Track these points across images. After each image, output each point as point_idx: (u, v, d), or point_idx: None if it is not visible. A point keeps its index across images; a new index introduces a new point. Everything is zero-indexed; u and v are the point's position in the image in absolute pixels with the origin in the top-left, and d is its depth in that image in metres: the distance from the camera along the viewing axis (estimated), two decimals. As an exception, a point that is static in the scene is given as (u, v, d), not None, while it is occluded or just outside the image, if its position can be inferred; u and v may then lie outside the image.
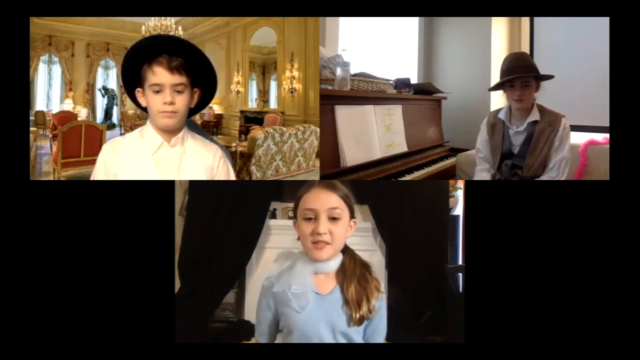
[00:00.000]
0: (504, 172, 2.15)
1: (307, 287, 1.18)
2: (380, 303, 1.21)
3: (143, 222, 1.68)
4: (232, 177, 1.42)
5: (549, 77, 2.07)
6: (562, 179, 2.05)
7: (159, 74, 1.23)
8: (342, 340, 1.18)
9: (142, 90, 1.28)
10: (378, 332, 1.24)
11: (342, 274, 1.20)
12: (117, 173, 1.30)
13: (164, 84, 1.24)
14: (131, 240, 1.66)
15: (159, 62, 1.24)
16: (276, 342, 1.27)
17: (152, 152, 1.30)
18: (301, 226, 1.18)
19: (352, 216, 1.21)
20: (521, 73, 2.02)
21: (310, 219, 1.16)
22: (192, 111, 1.34)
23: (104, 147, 1.33)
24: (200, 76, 1.31)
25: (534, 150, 2.07)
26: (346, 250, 1.24)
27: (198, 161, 1.34)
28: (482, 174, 2.23)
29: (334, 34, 3.60)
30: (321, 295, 1.19)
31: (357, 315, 1.16)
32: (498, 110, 2.22)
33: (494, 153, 2.20)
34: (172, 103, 1.24)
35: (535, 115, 2.09)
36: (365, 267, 1.23)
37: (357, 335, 1.20)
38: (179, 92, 1.25)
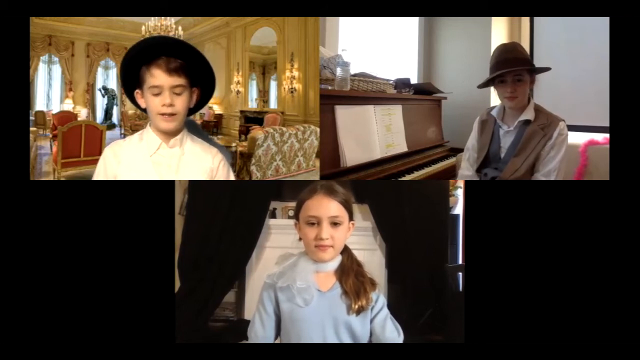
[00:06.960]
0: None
1: (310, 283, 1.22)
2: (377, 295, 1.26)
3: (143, 222, 1.68)
4: (232, 179, 1.42)
5: (544, 69, 1.91)
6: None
7: (158, 76, 1.24)
8: (345, 334, 1.21)
9: (141, 91, 1.28)
10: (386, 327, 1.25)
11: (341, 270, 1.25)
12: (117, 175, 1.30)
13: (162, 86, 1.24)
14: (131, 240, 1.66)
15: (157, 65, 1.24)
16: (279, 336, 1.28)
17: (150, 154, 1.30)
18: (304, 230, 1.22)
19: (350, 218, 1.26)
20: (512, 67, 1.80)
21: (313, 224, 1.21)
22: (191, 111, 1.34)
23: (105, 150, 1.34)
24: (198, 76, 1.31)
25: (520, 154, 1.84)
26: (344, 249, 1.28)
27: (197, 163, 1.33)
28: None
29: (334, 34, 3.59)
30: (322, 292, 1.22)
31: (356, 306, 1.20)
32: (493, 107, 2.05)
33: (479, 154, 2.00)
34: (171, 105, 1.25)
35: (528, 114, 1.86)
36: (360, 265, 1.28)
37: (360, 330, 1.22)
38: (177, 94, 1.25)
